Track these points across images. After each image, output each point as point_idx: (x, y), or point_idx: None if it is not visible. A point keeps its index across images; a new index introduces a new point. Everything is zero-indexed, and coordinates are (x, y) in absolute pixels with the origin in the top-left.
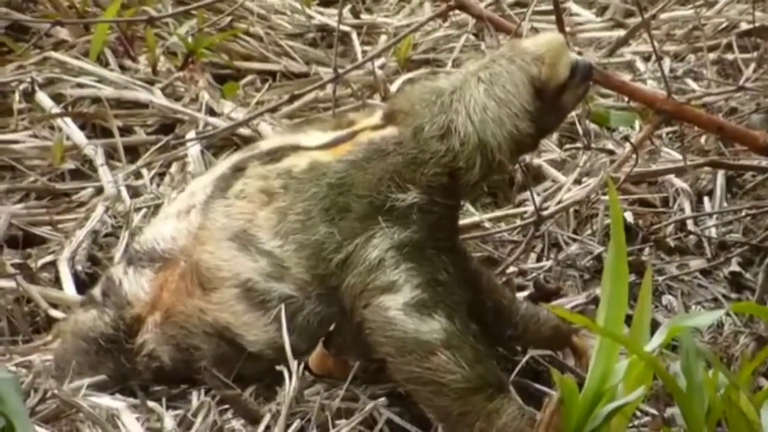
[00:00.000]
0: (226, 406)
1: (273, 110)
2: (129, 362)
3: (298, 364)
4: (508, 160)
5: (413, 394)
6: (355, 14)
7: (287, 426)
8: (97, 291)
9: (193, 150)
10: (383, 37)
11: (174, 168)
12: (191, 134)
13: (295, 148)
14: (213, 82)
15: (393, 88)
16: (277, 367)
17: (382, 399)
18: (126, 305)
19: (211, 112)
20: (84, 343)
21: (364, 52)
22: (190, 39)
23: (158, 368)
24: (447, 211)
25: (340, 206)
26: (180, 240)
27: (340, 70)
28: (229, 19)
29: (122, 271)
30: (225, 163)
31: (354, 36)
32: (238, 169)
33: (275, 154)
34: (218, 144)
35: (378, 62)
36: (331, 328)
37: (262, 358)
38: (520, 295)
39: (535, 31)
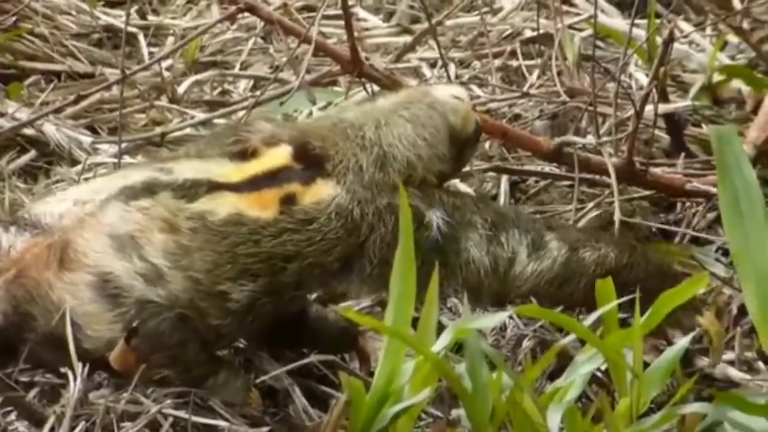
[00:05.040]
0: (10, 408)
1: (58, 111)
2: None
3: (83, 366)
4: None
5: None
6: (142, 15)
7: (72, 428)
8: None
9: None
10: (170, 39)
11: None
12: None
13: (211, 186)
14: None
15: (181, 89)
16: (62, 369)
17: (168, 401)
18: None
19: None
20: None
21: (151, 54)
22: None
23: None
24: None
25: (277, 269)
26: (66, 220)
27: (127, 71)
28: (13, 19)
29: (3, 229)
30: (136, 173)
31: (141, 37)
32: (149, 190)
33: (189, 190)
34: (1, 144)
35: (165, 64)
36: (135, 324)
37: (92, 354)
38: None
39: (324, 35)
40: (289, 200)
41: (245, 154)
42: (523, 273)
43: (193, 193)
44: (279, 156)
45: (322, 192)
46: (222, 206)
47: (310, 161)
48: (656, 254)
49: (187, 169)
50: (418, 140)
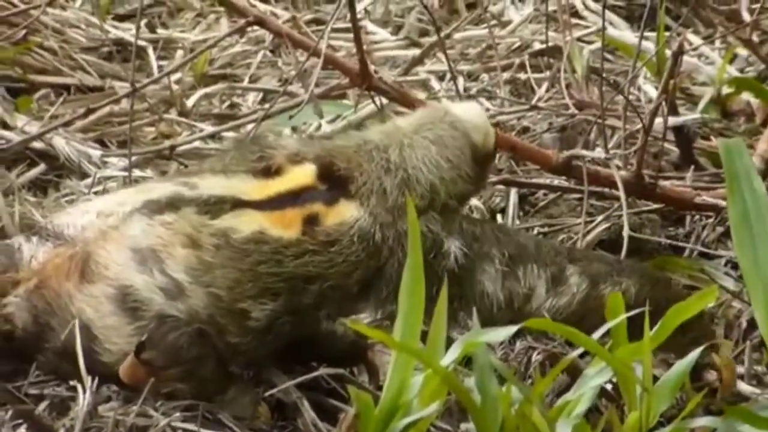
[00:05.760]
0: (20, 420)
1: (67, 124)
2: None
3: (93, 379)
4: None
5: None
6: (152, 29)
7: None
8: None
9: None
10: (180, 52)
11: None
12: None
13: (235, 204)
14: (6, 95)
15: (190, 102)
16: (71, 382)
17: (177, 414)
18: (12, 268)
19: (4, 125)
20: None
21: (160, 67)
22: None
23: (8, 333)
24: None
25: (299, 289)
26: (89, 232)
27: (137, 85)
28: (23, 32)
29: (25, 239)
30: (160, 187)
31: (150, 50)
32: (173, 205)
33: (213, 207)
34: (11, 158)
35: (174, 77)
36: (143, 338)
37: (110, 367)
38: None
39: (333, 49)
40: (312, 220)
41: (269, 171)
42: (540, 309)
43: (217, 209)
44: (303, 175)
45: (345, 213)
46: (245, 224)
47: (335, 182)
48: (679, 292)
49: (211, 185)
50: (441, 162)
